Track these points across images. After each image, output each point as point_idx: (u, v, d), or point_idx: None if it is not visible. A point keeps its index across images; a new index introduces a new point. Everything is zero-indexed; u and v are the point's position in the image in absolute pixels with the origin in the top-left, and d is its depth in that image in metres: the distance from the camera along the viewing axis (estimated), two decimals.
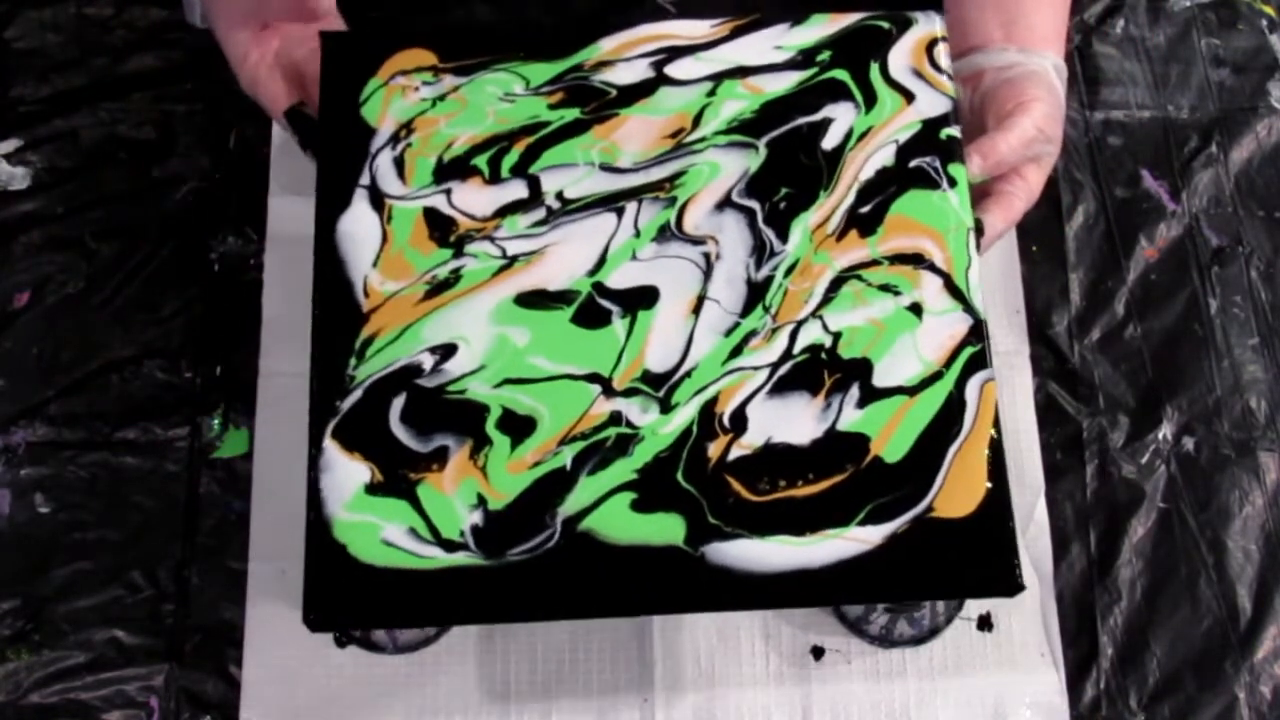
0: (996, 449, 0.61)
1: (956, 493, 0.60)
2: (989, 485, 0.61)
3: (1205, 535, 0.75)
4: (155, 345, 0.77)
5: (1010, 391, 0.77)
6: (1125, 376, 0.78)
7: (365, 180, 0.66)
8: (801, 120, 0.68)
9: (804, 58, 0.69)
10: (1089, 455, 0.77)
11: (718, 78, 0.69)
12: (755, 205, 0.66)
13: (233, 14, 0.70)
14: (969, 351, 0.63)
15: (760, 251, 0.65)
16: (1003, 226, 0.68)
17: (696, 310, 0.64)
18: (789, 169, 0.67)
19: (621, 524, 0.60)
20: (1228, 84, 0.86)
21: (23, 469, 0.75)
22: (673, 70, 0.69)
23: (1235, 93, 0.85)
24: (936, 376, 0.63)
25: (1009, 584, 0.59)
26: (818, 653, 0.72)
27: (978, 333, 0.64)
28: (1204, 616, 0.73)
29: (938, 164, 0.67)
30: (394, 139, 0.67)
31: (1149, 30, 0.87)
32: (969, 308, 0.64)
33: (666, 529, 0.60)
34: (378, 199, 0.66)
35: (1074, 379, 0.78)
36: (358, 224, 0.66)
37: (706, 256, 0.65)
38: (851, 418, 0.62)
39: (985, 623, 0.72)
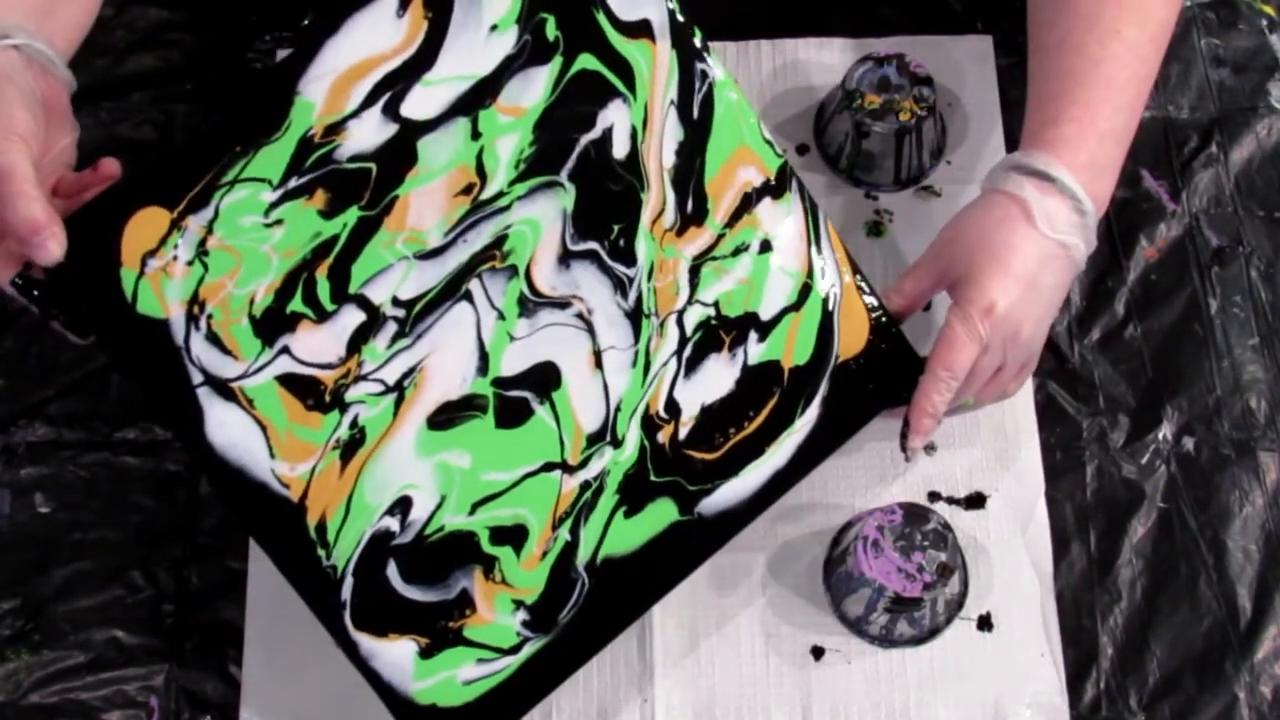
0: (856, 272, 0.67)
1: (850, 334, 0.67)
2: (868, 304, 0.67)
3: (1205, 535, 0.75)
4: None
5: None
6: (1125, 376, 0.78)
7: (197, 377, 0.60)
8: (585, 140, 0.64)
9: (534, 38, 0.63)
10: (1089, 455, 0.76)
11: (466, 109, 0.62)
12: (594, 246, 0.64)
13: None
14: (811, 224, 0.67)
15: (621, 286, 0.65)
16: (944, 375, 0.65)
17: (599, 364, 0.65)
18: (601, 199, 0.64)
19: (627, 536, 0.65)
20: (1228, 84, 0.86)
21: (23, 469, 0.75)
22: (410, 110, 0.62)
23: (1235, 93, 0.85)
24: (807, 289, 0.67)
25: (917, 367, 0.67)
26: (818, 653, 0.72)
27: (812, 204, 0.67)
28: (1204, 616, 0.73)
29: (704, 68, 0.65)
30: (192, 319, 0.60)
31: None
32: (786, 181, 0.67)
33: (662, 515, 0.65)
34: (223, 389, 0.60)
35: (1074, 379, 0.78)
36: (226, 428, 0.60)
37: (580, 316, 0.65)
38: (758, 352, 0.66)
39: (985, 623, 0.72)
